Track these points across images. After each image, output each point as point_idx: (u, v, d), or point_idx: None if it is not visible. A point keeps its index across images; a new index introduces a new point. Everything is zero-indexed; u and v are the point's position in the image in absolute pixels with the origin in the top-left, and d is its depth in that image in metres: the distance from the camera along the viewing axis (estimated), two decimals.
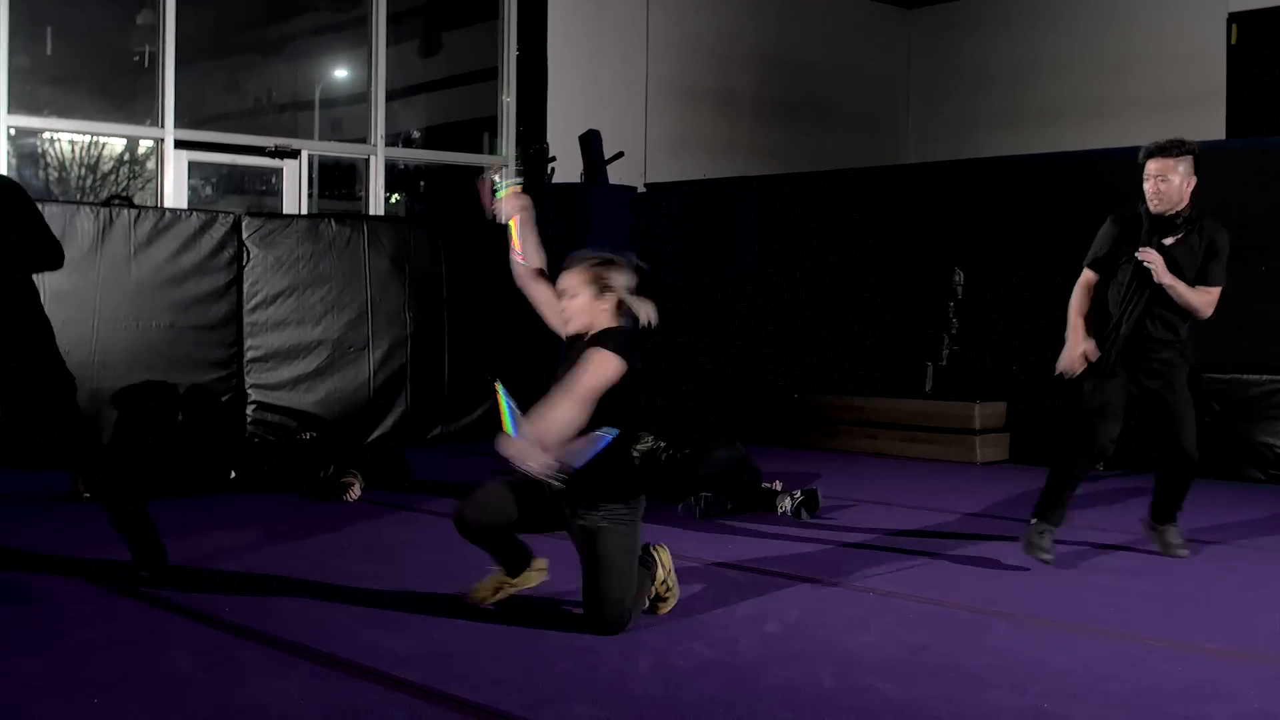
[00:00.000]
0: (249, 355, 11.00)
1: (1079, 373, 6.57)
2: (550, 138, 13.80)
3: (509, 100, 13.89)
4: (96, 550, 6.67)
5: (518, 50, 13.89)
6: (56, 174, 12.37)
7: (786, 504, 8.18)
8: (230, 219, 10.96)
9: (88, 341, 10.22)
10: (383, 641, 5.11)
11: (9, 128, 11.23)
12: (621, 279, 5.39)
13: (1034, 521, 6.60)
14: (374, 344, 11.66)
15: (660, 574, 5.51)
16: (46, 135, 11.94)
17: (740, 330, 13.22)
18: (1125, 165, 11.43)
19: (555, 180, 13.53)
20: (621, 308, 5.35)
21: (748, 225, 13.59)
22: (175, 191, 11.83)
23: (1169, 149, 6.44)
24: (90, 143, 12.30)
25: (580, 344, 5.31)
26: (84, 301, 10.21)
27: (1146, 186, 6.48)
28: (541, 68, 13.86)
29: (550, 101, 13.92)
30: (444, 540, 7.18)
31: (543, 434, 5.02)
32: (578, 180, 13.43)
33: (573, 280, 5.34)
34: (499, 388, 5.15)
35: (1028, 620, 5.56)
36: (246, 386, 10.98)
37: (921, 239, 12.22)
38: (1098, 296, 6.67)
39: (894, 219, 12.58)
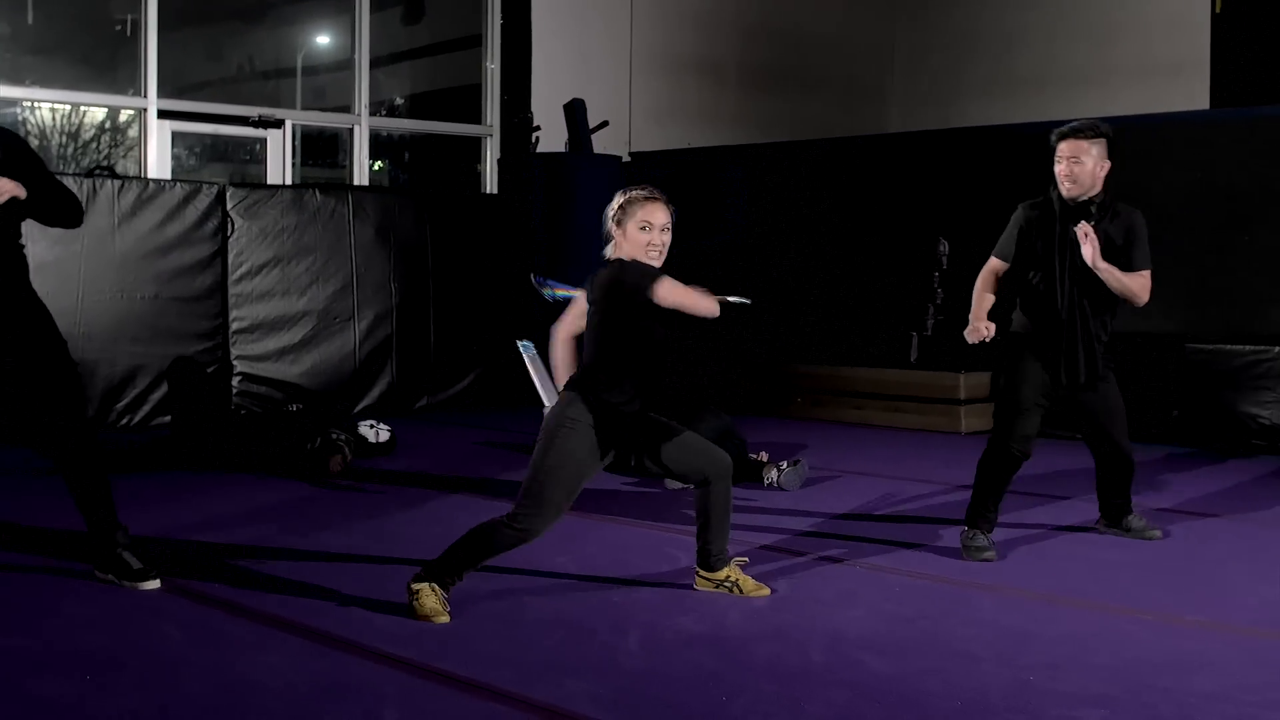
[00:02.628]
0: (234, 326, 10.99)
1: (984, 338, 6.29)
2: (535, 106, 13.76)
3: (493, 68, 13.85)
4: (82, 524, 6.66)
5: (501, 19, 13.83)
6: (37, 142, 12.31)
7: (773, 475, 8.21)
8: (214, 189, 10.93)
9: (72, 313, 10.19)
10: (373, 618, 5.13)
11: None
12: None
13: (965, 530, 6.31)
14: (359, 315, 11.66)
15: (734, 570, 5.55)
16: (27, 103, 11.88)
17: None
18: (1114, 135, 11.50)
19: (540, 150, 13.51)
20: None
21: (733, 195, 13.58)
22: (159, 161, 11.79)
23: (1082, 130, 6.19)
24: (71, 110, 12.24)
25: (618, 263, 5.30)
26: (67, 273, 10.17)
27: (1058, 169, 6.21)
28: (526, 36, 13.81)
29: (535, 70, 13.87)
30: (431, 511, 7.24)
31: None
32: (562, 150, 13.40)
33: (668, 215, 5.35)
34: (522, 348, 5.09)
35: (1013, 593, 5.60)
36: (232, 358, 10.97)
37: (907, 209, 12.22)
38: (1000, 289, 6.50)
39: (879, 189, 12.58)
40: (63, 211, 5.66)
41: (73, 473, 5.57)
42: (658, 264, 5.33)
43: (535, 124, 13.65)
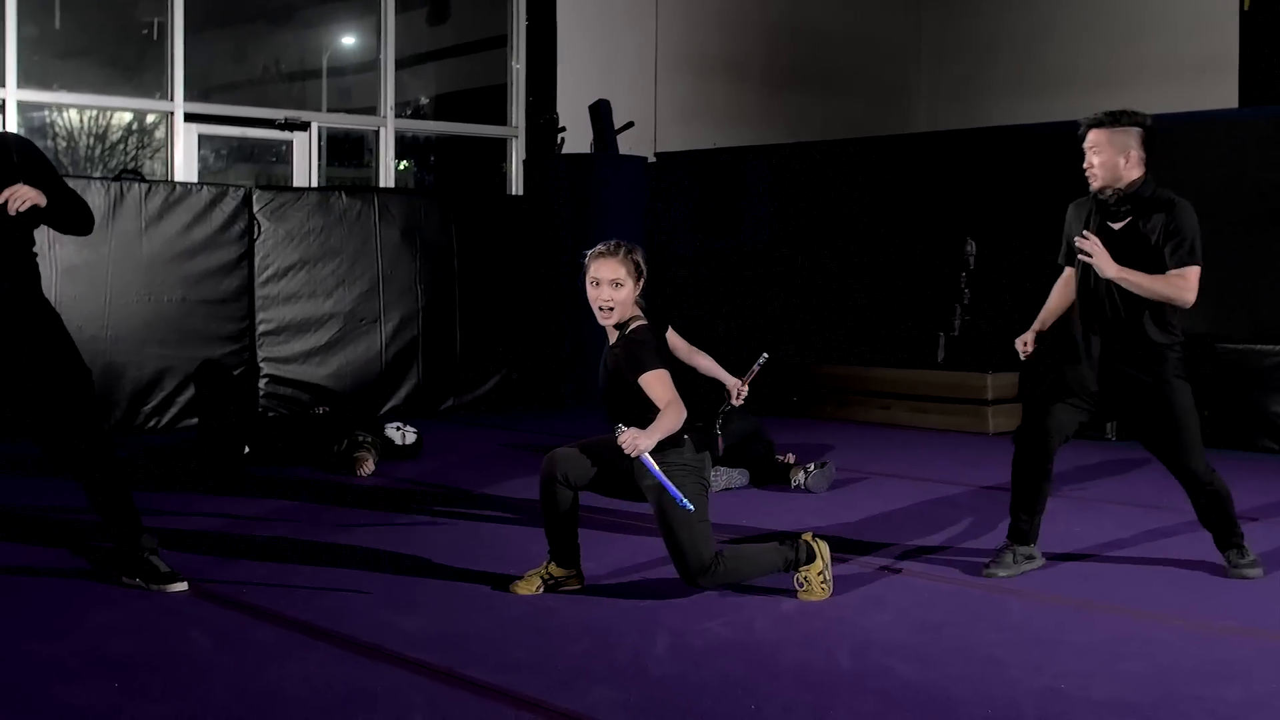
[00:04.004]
0: (261, 329, 11.00)
1: (1025, 354, 5.98)
2: (560, 107, 13.76)
3: (518, 68, 13.85)
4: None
5: (527, 19, 13.83)
6: (65, 144, 12.37)
7: (800, 477, 8.19)
8: (241, 192, 10.95)
9: (99, 316, 10.22)
10: (399, 622, 5.13)
11: (18, 102, 11.20)
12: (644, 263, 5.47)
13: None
14: (385, 317, 11.66)
15: (819, 565, 5.51)
16: (55, 107, 11.92)
17: (751, 300, 13.20)
18: None
19: (565, 150, 13.49)
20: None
21: (759, 195, 13.56)
22: (185, 164, 11.82)
23: (1102, 120, 5.77)
24: (99, 113, 12.28)
25: (620, 342, 5.38)
26: (95, 276, 10.21)
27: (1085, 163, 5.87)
28: (551, 36, 13.81)
29: (560, 71, 13.88)
30: (459, 514, 7.23)
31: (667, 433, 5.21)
32: (587, 150, 13.39)
33: (619, 270, 5.35)
34: (647, 459, 5.11)
35: (1042, 598, 5.56)
36: (259, 360, 10.99)
37: (933, 209, 12.18)
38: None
39: (905, 188, 12.54)
40: (76, 219, 5.68)
41: (89, 479, 5.54)
42: (608, 321, 5.40)
43: (560, 125, 13.64)
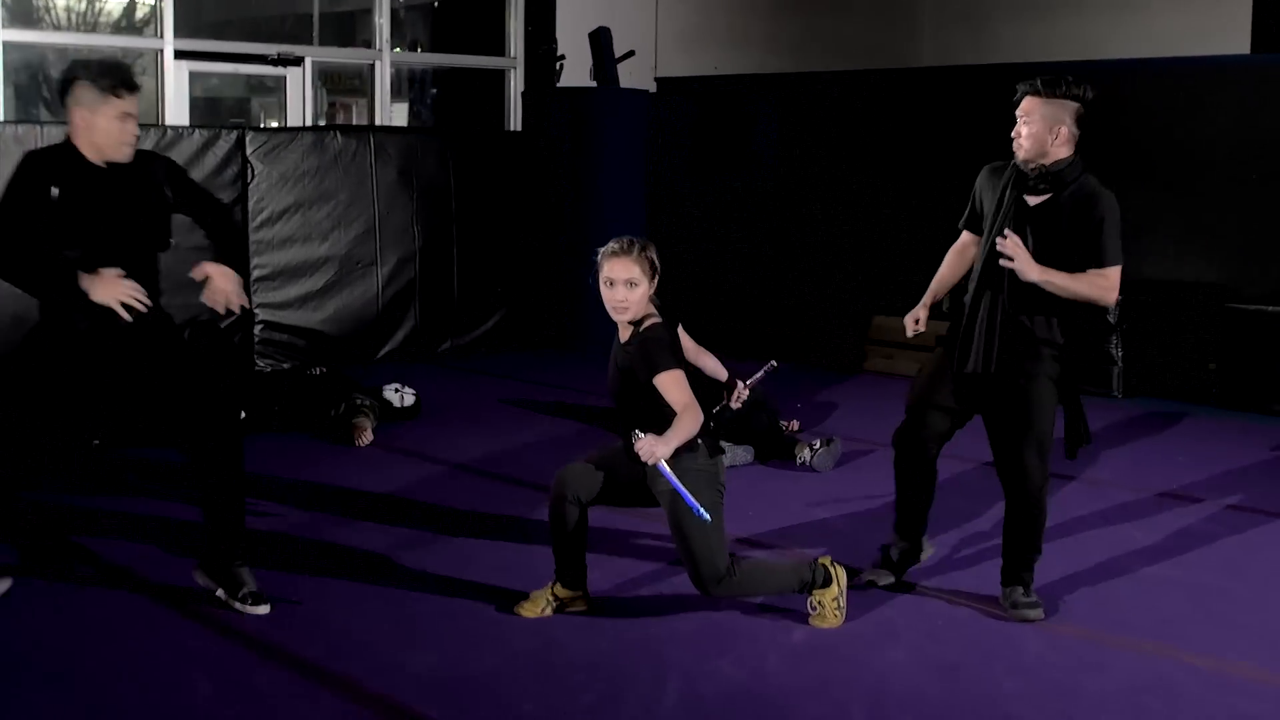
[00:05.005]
0: (255, 274, 10.80)
1: (913, 331, 5.74)
2: (559, 34, 13.42)
3: (516, 4, 13.44)
4: (106, 539, 6.58)
5: None
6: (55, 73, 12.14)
7: (805, 455, 8.07)
8: (234, 135, 10.68)
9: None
10: (405, 661, 5.02)
11: (3, 43, 10.87)
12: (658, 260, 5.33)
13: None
14: (382, 259, 11.47)
15: (834, 590, 5.42)
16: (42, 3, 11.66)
17: (754, 241, 13.02)
18: (1151, 78, 11.19)
19: (565, 79, 13.19)
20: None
21: (764, 129, 13.30)
22: (176, 103, 11.51)
23: (1039, 88, 5.35)
24: (87, 7, 12.06)
25: (634, 340, 5.21)
26: None
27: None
28: None
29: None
30: (459, 512, 7.04)
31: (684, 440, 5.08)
32: (587, 79, 13.09)
33: (633, 269, 5.19)
34: (663, 466, 4.97)
35: (1059, 631, 5.44)
36: (254, 306, 10.80)
37: (943, 147, 11.95)
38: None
39: (913, 127, 12.31)
40: (232, 242, 5.65)
41: (209, 478, 5.45)
42: (624, 319, 5.24)
43: (560, 54, 13.32)
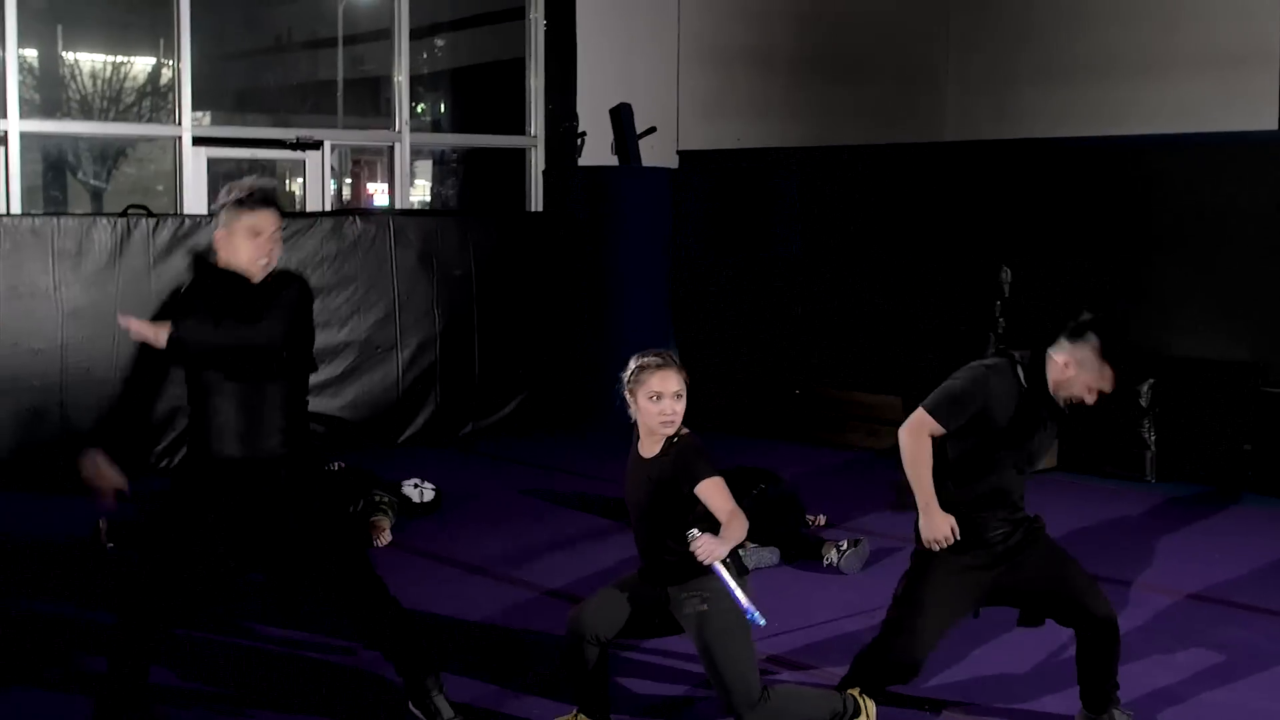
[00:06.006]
0: None
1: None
2: (580, 110, 13.36)
3: (537, 83, 13.39)
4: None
5: (545, 22, 13.38)
6: (77, 104, 12.14)
7: (832, 556, 7.90)
8: None
9: (108, 357, 9.95)
10: None
11: (20, 133, 10.86)
12: None
13: None
14: (402, 343, 11.39)
15: None
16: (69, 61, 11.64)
17: (774, 319, 12.89)
18: (1177, 153, 11.07)
19: (586, 155, 13.13)
20: None
21: (788, 205, 13.18)
22: (194, 190, 11.45)
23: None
24: (112, 69, 12.06)
25: (670, 450, 5.09)
26: (103, 316, 9.93)
27: (1080, 384, 5.23)
28: (571, 39, 13.36)
29: (580, 70, 13.44)
30: (483, 613, 6.89)
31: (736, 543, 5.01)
32: (609, 153, 13.01)
33: (679, 381, 5.13)
34: (719, 568, 4.86)
35: None
36: None
37: (966, 228, 11.83)
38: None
39: (936, 201, 12.20)
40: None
41: (373, 626, 5.37)
42: (669, 432, 5.11)
43: (581, 130, 13.26)
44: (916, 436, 5.26)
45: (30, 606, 7.08)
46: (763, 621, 4.90)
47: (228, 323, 5.00)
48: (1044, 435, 5.36)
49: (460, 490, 9.67)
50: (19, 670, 6.11)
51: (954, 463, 5.30)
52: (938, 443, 5.28)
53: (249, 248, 5.05)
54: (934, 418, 5.23)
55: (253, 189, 5.14)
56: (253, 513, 5.18)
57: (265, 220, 5.05)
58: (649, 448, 5.18)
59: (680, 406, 5.10)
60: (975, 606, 5.45)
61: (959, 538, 5.24)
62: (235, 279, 5.11)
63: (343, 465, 9.21)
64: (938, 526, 5.23)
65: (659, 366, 5.13)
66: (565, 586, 7.53)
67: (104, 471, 5.08)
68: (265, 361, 5.06)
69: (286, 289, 5.18)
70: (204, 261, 5.23)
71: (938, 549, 5.25)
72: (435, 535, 8.62)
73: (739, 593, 4.88)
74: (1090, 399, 5.26)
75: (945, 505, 5.26)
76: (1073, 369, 5.21)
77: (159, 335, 4.96)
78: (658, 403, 5.09)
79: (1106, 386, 5.24)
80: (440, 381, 11.57)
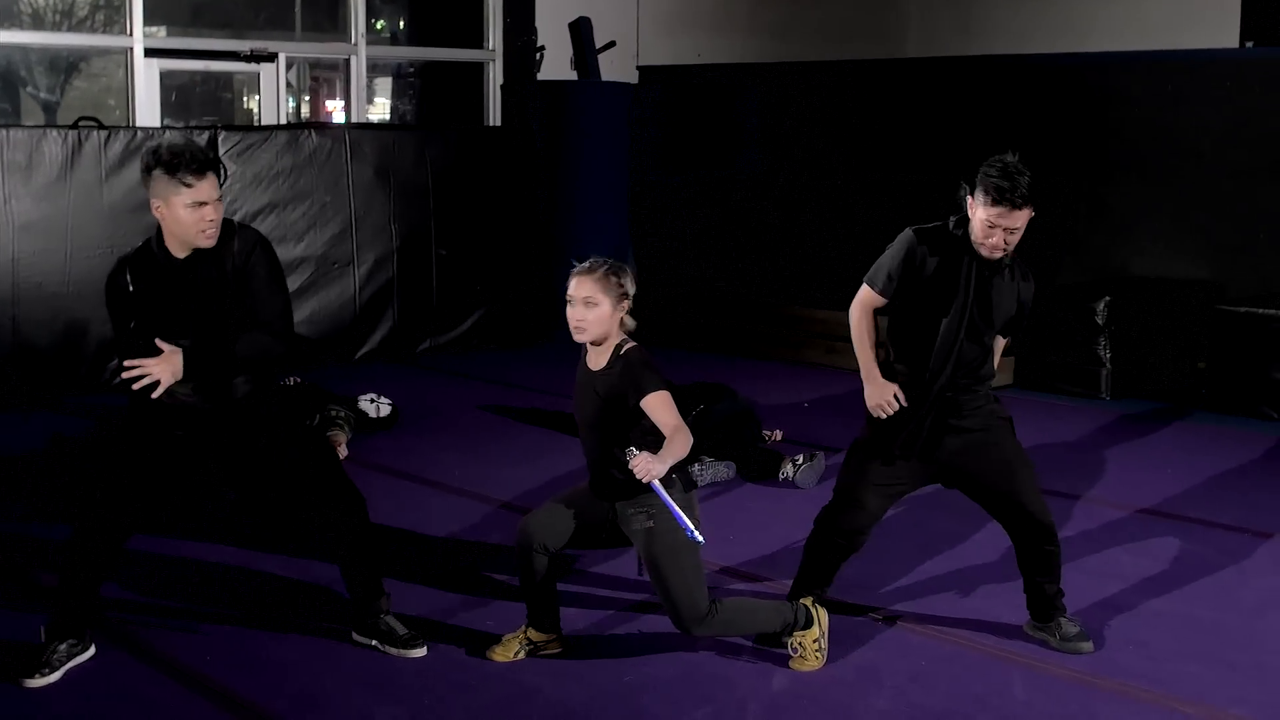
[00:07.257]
0: None
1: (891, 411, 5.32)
2: (539, 24, 13.22)
3: None
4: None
5: None
6: (29, 16, 11.93)
7: (788, 470, 7.91)
8: (206, 135, 10.50)
9: (60, 271, 9.88)
10: (374, 711, 4.87)
11: None
12: (632, 285, 5.14)
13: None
14: (359, 259, 11.29)
15: (815, 632, 5.31)
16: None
17: (736, 236, 12.85)
18: (1139, 72, 11.03)
19: (545, 71, 13.00)
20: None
21: (748, 122, 13.11)
22: (147, 103, 11.29)
23: (1028, 200, 5.17)
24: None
25: (616, 363, 5.06)
26: (55, 230, 9.85)
27: (990, 237, 5.17)
28: None
29: None
30: (437, 528, 6.87)
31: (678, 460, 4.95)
32: (568, 69, 12.89)
33: (592, 287, 5.03)
34: (657, 485, 4.83)
35: (1049, 670, 5.30)
36: None
37: (926, 144, 11.80)
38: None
39: (897, 117, 12.15)
40: (246, 354, 5.05)
41: (348, 552, 5.39)
42: (580, 339, 5.07)
43: (539, 44, 13.11)
44: (860, 310, 5.44)
45: None
46: (701, 540, 4.91)
47: (193, 323, 4.95)
48: (991, 295, 5.28)
49: (417, 406, 9.64)
50: None
51: (904, 330, 5.39)
52: (896, 319, 5.38)
53: (193, 219, 4.89)
54: (872, 288, 5.41)
55: (184, 151, 4.89)
56: (220, 433, 5.16)
57: (206, 190, 4.88)
58: (596, 360, 5.14)
59: (590, 315, 5.00)
60: (922, 481, 5.53)
61: (904, 404, 5.29)
62: (184, 261, 4.99)
63: (299, 380, 9.15)
64: (879, 392, 5.32)
65: (578, 272, 5.08)
66: (520, 498, 7.54)
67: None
68: (218, 325, 5.00)
69: (247, 261, 5.04)
70: (146, 248, 5.06)
71: (883, 415, 5.31)
72: (391, 450, 8.60)
73: (678, 510, 4.87)
74: (987, 245, 5.19)
75: (893, 376, 5.35)
76: (974, 217, 5.21)
77: (173, 364, 4.84)
78: (570, 308, 5.05)
79: (994, 222, 5.14)
80: (398, 297, 11.50)
